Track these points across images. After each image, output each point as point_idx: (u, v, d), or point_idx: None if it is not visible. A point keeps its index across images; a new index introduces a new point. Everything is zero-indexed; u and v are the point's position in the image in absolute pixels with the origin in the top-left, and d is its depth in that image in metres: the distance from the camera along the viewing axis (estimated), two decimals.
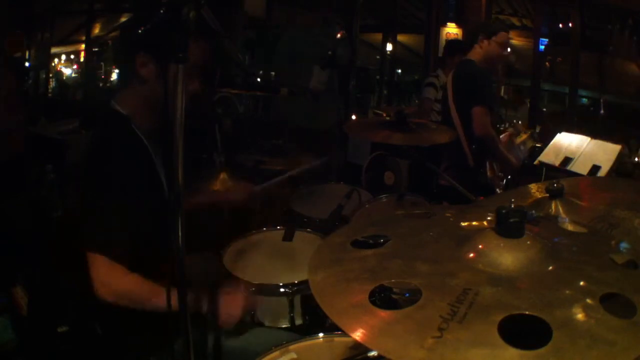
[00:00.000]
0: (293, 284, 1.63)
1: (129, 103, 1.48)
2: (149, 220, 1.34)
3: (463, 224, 0.97)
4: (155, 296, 1.32)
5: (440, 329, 0.67)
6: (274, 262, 1.84)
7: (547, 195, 1.27)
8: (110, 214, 1.35)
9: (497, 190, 2.81)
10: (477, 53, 2.90)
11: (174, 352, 1.37)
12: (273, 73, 6.47)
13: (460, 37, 7.29)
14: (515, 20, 8.37)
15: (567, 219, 1.13)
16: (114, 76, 8.76)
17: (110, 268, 1.33)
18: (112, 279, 1.33)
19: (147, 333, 1.43)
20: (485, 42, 2.87)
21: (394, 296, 1.38)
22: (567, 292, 0.74)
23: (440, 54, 7.24)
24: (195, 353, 1.09)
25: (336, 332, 1.38)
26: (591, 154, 2.69)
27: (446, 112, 3.01)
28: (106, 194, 1.36)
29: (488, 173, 2.87)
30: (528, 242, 0.83)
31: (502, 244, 0.82)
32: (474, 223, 0.96)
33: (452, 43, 5.03)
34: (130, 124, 1.47)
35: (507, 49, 2.97)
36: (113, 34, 9.00)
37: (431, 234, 0.96)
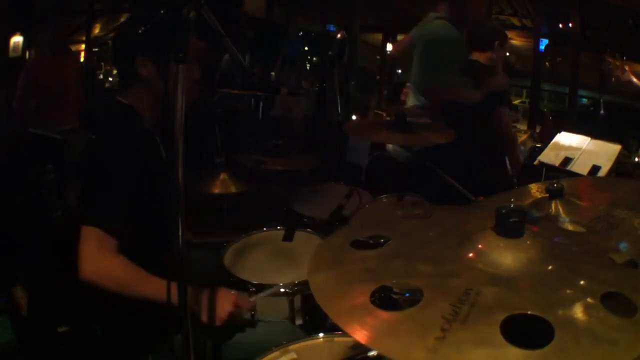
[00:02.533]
0: (293, 284, 1.63)
1: (134, 101, 1.48)
2: (153, 214, 1.33)
3: (463, 224, 0.97)
4: (142, 283, 1.30)
5: (443, 330, 0.67)
6: (274, 262, 1.84)
7: (547, 195, 1.27)
8: (112, 193, 1.35)
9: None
10: (488, 58, 2.87)
11: (174, 351, 1.37)
12: (273, 73, 6.47)
13: None
14: (515, 20, 8.37)
15: (567, 219, 1.13)
16: (115, 76, 8.75)
17: (102, 243, 1.31)
18: (100, 255, 1.30)
19: (147, 333, 1.43)
20: (501, 49, 2.87)
21: (394, 297, 1.38)
22: (568, 291, 0.74)
23: None
24: (194, 352, 1.09)
25: (336, 332, 1.38)
26: (591, 154, 2.69)
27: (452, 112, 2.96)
28: (111, 175, 1.36)
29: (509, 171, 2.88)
30: (528, 242, 0.83)
31: (502, 244, 0.82)
32: (473, 223, 0.96)
33: None
34: (140, 116, 1.48)
35: None
36: (113, 34, 8.99)
37: (431, 234, 0.96)
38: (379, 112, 6.19)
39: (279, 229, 2.08)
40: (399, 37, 9.34)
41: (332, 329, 1.40)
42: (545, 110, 8.28)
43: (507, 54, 2.99)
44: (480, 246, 0.83)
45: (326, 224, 2.14)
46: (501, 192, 1.43)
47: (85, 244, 1.31)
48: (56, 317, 1.86)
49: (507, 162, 2.90)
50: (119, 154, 1.38)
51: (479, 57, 2.89)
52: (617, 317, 0.68)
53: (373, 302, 0.75)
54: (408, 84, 3.39)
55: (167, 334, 1.33)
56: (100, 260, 1.31)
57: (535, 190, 1.36)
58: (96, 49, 8.68)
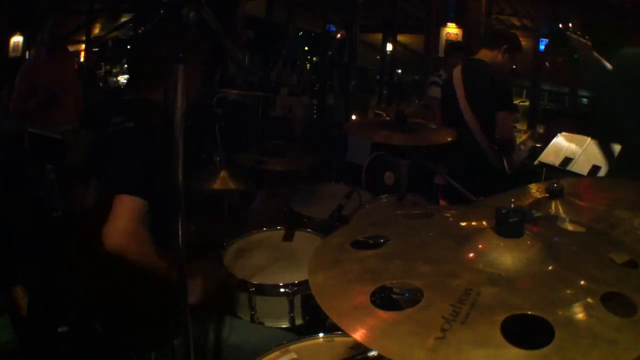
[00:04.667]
0: (293, 284, 1.64)
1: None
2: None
3: (463, 224, 0.97)
4: (163, 260, 1.34)
5: (443, 330, 0.67)
6: (274, 262, 1.84)
7: (547, 195, 1.27)
8: (148, 173, 1.39)
9: None
10: (493, 58, 2.86)
11: (174, 350, 1.37)
12: (273, 73, 6.48)
13: (460, 37, 7.29)
14: (515, 20, 8.37)
15: (567, 219, 1.13)
16: (113, 75, 8.76)
17: (136, 211, 1.36)
18: (134, 222, 1.35)
19: (147, 331, 1.43)
20: (507, 55, 2.85)
21: (394, 297, 1.38)
22: (568, 291, 0.74)
23: (440, 54, 7.25)
24: (194, 351, 1.09)
25: (336, 332, 1.38)
26: (591, 154, 2.69)
27: (453, 111, 2.95)
28: (149, 159, 1.40)
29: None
30: (528, 242, 0.82)
31: (502, 244, 0.82)
32: (473, 223, 0.96)
33: (453, 45, 5.03)
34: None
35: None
36: (113, 34, 9.01)
37: (431, 234, 0.96)
38: (379, 112, 6.19)
39: (279, 229, 2.08)
40: (399, 37, 9.38)
41: (332, 329, 1.40)
42: (550, 108, 8.29)
43: (514, 66, 2.96)
44: (480, 246, 0.83)
45: (326, 224, 2.15)
46: (500, 193, 1.43)
47: (121, 210, 1.35)
48: (56, 317, 1.86)
49: (505, 163, 2.89)
50: (156, 144, 1.40)
51: (485, 55, 2.88)
52: (617, 317, 0.68)
53: (373, 302, 0.75)
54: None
55: (168, 333, 1.33)
56: (133, 226, 1.35)
57: (535, 190, 1.36)
58: (96, 49, 8.68)
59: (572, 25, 2.50)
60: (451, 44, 5.28)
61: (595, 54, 2.44)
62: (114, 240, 1.33)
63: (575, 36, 2.47)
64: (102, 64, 8.92)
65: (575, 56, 2.56)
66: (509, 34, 3.02)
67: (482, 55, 2.89)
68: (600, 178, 2.46)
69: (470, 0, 6.81)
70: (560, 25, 2.53)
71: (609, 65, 2.40)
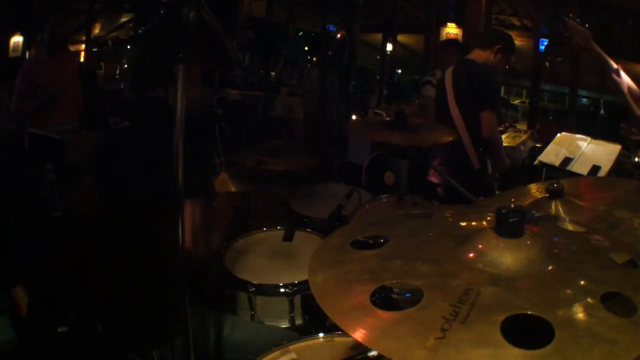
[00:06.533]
0: (293, 284, 1.64)
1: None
2: None
3: (463, 224, 0.97)
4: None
5: (443, 330, 0.67)
6: (274, 262, 1.84)
7: (547, 195, 1.27)
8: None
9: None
10: (485, 58, 2.84)
11: (174, 348, 1.37)
12: (273, 73, 6.47)
13: (460, 37, 7.29)
14: (515, 20, 8.37)
15: (567, 219, 1.13)
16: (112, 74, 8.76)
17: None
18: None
19: (148, 330, 1.43)
20: (500, 56, 2.83)
21: (394, 297, 1.38)
22: (568, 291, 0.74)
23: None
24: (195, 350, 1.09)
25: (336, 332, 1.38)
26: (591, 154, 2.69)
27: (443, 111, 2.94)
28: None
29: (490, 173, 2.85)
30: (528, 242, 0.83)
31: (502, 244, 0.82)
32: (473, 223, 0.96)
33: (448, 41, 5.02)
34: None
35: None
36: (113, 34, 9.01)
37: (431, 234, 0.96)
38: (379, 112, 6.20)
39: (279, 229, 2.08)
40: (399, 37, 9.40)
41: (332, 329, 1.40)
42: (548, 109, 8.30)
43: (507, 66, 2.93)
44: (480, 246, 0.83)
45: (326, 224, 2.15)
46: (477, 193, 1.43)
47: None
48: (56, 317, 1.86)
49: (489, 164, 2.86)
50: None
51: (478, 55, 2.87)
52: (617, 317, 0.68)
53: (373, 302, 0.75)
54: None
55: (168, 331, 1.33)
56: None
57: (535, 190, 1.36)
58: (96, 49, 8.68)
59: (572, 15, 2.48)
60: (444, 42, 5.27)
61: (595, 44, 2.43)
62: None
63: (574, 23, 2.46)
64: (102, 64, 8.91)
65: (573, 43, 2.54)
66: (502, 35, 2.98)
67: (474, 55, 2.86)
68: (600, 178, 2.47)
69: (470, 0, 6.80)
70: (561, 25, 2.52)
71: (612, 63, 2.39)
